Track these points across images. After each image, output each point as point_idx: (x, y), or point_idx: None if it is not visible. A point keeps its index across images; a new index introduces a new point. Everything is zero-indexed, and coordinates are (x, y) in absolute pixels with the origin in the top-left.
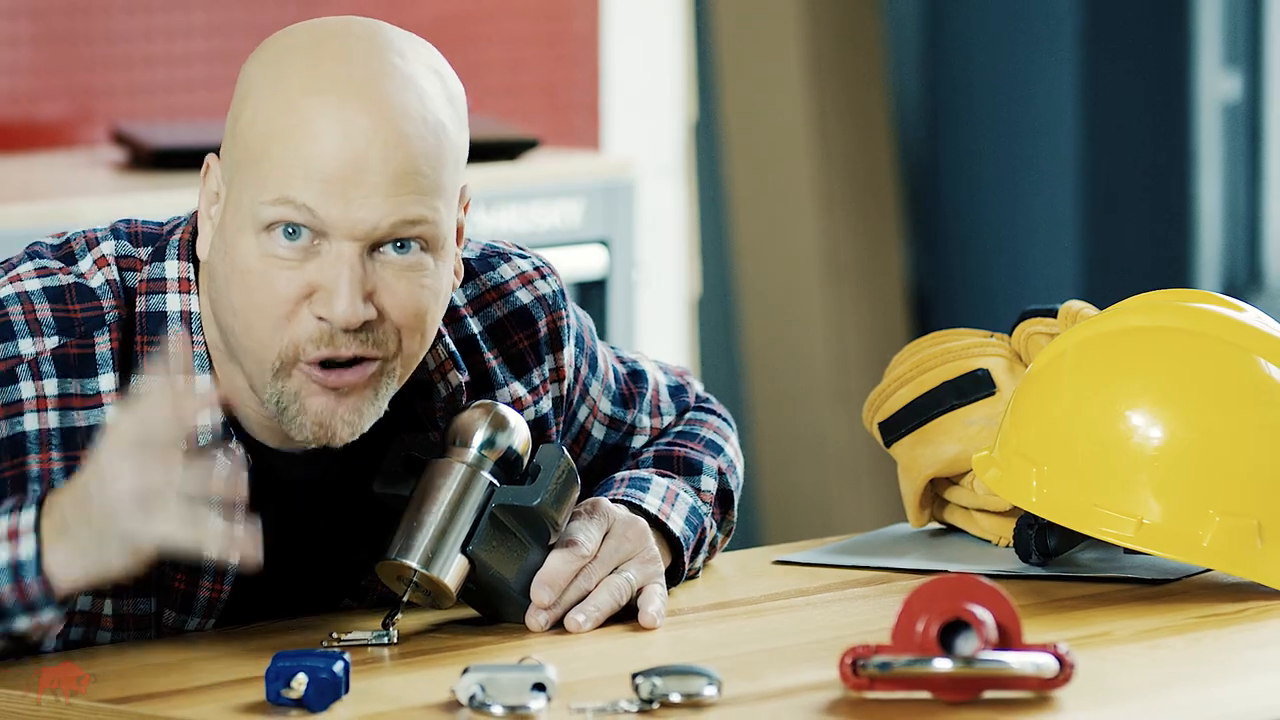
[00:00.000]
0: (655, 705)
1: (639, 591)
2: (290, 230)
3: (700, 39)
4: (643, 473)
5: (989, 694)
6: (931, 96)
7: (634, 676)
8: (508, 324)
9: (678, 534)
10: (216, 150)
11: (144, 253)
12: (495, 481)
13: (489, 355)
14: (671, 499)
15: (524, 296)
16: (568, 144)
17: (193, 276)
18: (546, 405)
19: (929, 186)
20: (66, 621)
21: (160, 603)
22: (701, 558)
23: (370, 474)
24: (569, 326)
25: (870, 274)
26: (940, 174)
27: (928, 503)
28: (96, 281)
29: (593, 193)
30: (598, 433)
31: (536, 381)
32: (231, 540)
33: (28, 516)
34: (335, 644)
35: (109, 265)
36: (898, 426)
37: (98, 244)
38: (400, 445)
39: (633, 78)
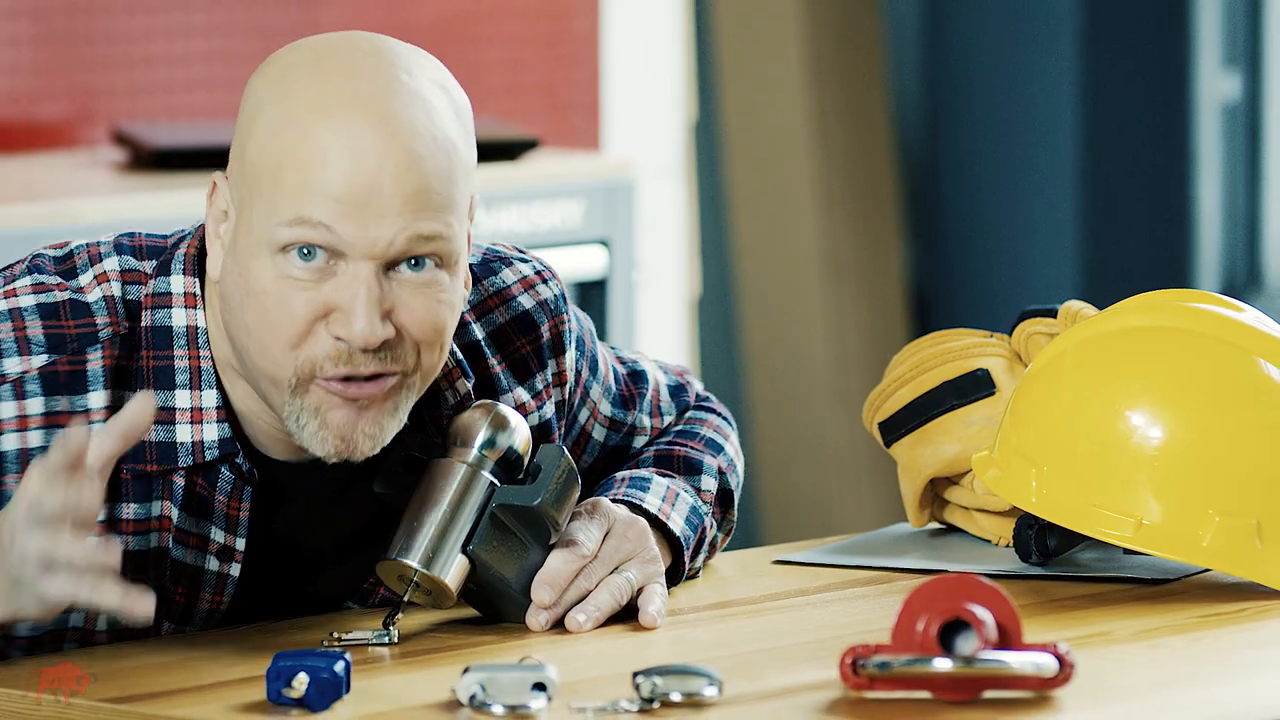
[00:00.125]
0: (656, 704)
1: (639, 591)
2: (306, 251)
3: (700, 39)
4: (643, 472)
5: (989, 694)
6: (931, 96)
7: (635, 676)
8: (510, 329)
9: (678, 534)
10: (217, 152)
11: (148, 266)
12: (496, 481)
13: (492, 361)
14: (672, 499)
15: (526, 301)
16: (568, 144)
17: (199, 291)
18: (549, 411)
19: (929, 186)
20: (60, 639)
21: (158, 615)
22: (702, 557)
23: (372, 494)
24: (570, 331)
25: (870, 274)
26: (940, 174)
27: (928, 503)
28: (93, 297)
29: (593, 193)
30: (598, 435)
31: (540, 387)
32: (126, 602)
33: None
34: (336, 643)
35: (108, 281)
36: (898, 426)
37: (100, 259)
38: (400, 445)
39: (633, 78)
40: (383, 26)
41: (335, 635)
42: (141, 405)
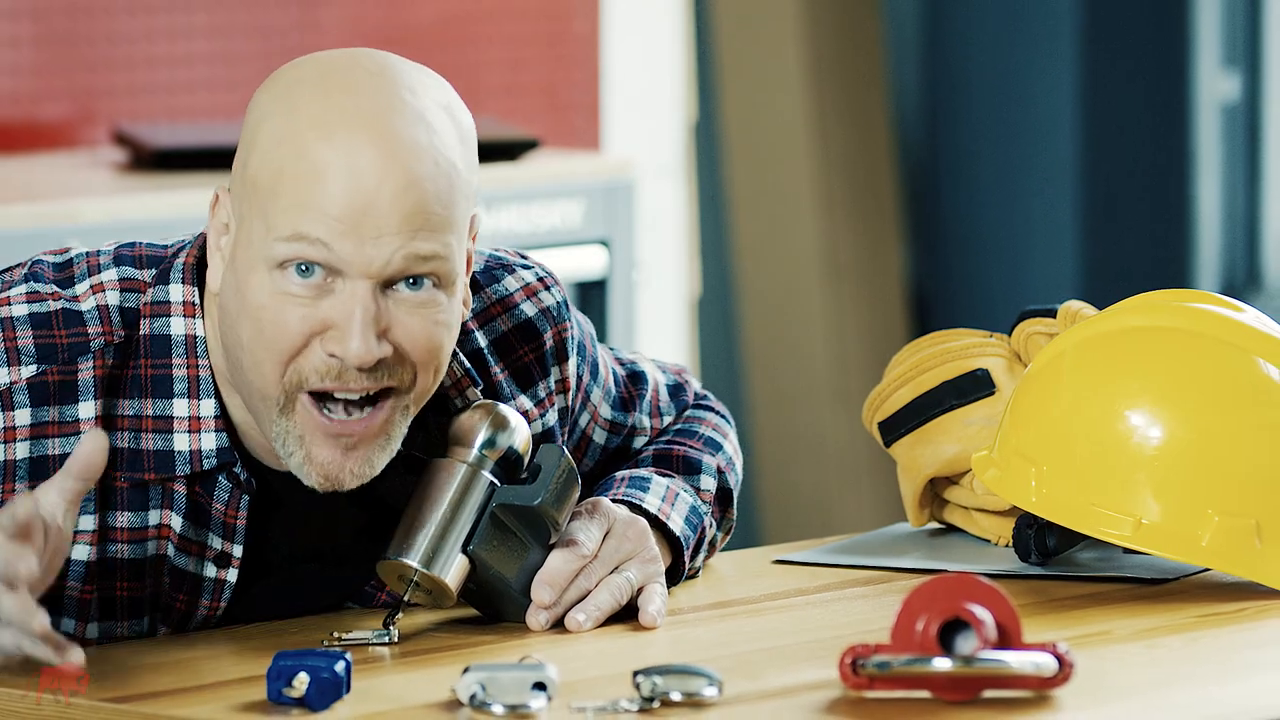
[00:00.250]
0: (656, 704)
1: (639, 591)
2: (304, 268)
3: (700, 39)
4: (642, 472)
5: (988, 693)
6: (931, 97)
7: (635, 675)
8: (513, 337)
9: (678, 534)
10: (217, 153)
11: (147, 275)
12: (496, 481)
13: (495, 369)
14: (671, 498)
15: (529, 309)
16: (568, 144)
17: (198, 300)
18: (552, 418)
19: (928, 186)
20: None
21: (154, 621)
22: (701, 557)
23: (372, 493)
24: (573, 338)
25: (870, 274)
26: (940, 174)
27: (927, 502)
28: (87, 306)
29: (593, 193)
30: (599, 438)
31: (542, 394)
32: (62, 656)
33: None
34: (336, 643)
35: (104, 291)
36: (897, 426)
37: (99, 270)
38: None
39: (633, 78)
40: (383, 27)
41: (335, 635)
42: (94, 443)
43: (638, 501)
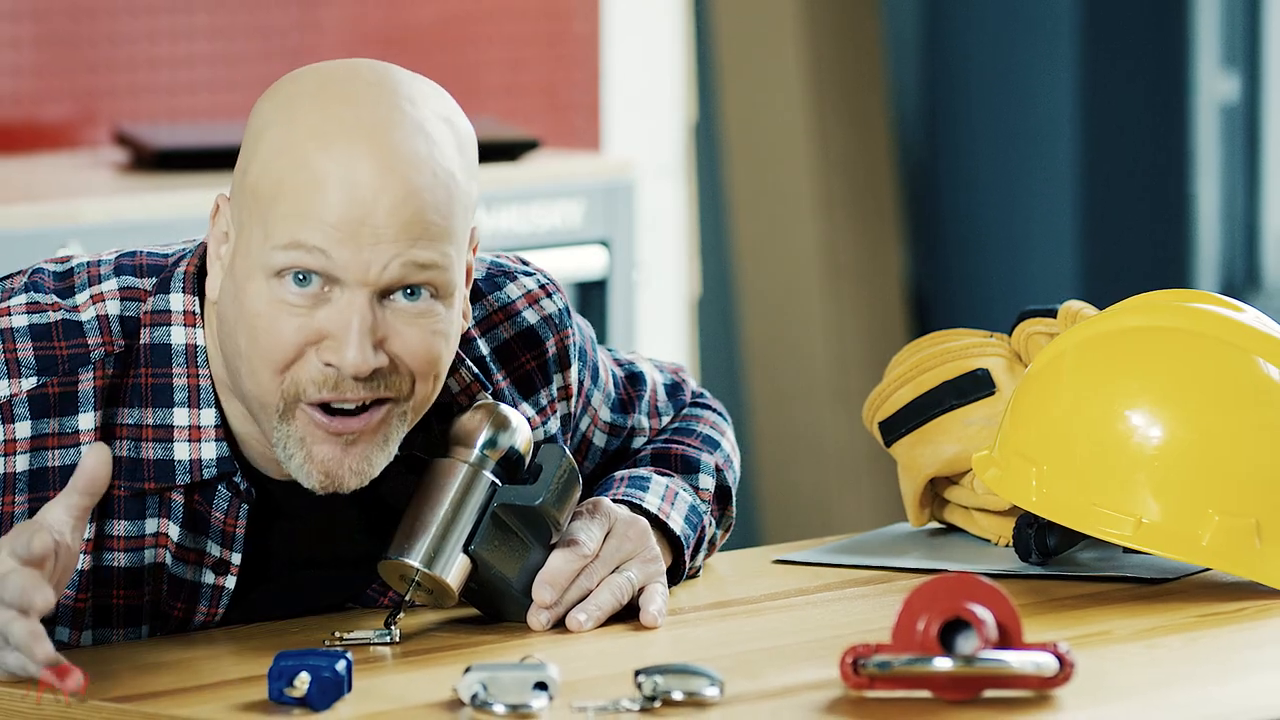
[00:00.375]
0: (657, 704)
1: (640, 591)
2: (301, 277)
3: (700, 39)
4: (642, 471)
5: (989, 693)
6: (930, 97)
7: (636, 675)
8: (515, 345)
9: (678, 533)
10: (218, 153)
11: (148, 283)
12: (497, 481)
13: (498, 376)
14: (671, 498)
15: (531, 317)
16: (568, 144)
17: (198, 310)
18: (554, 425)
19: (928, 187)
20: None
21: (150, 629)
22: (701, 555)
23: (373, 494)
24: (574, 344)
25: (869, 274)
26: (939, 174)
27: (927, 502)
28: (87, 316)
29: (593, 193)
30: (599, 441)
31: (544, 402)
32: (60, 679)
33: None
34: (337, 643)
35: (104, 301)
36: (897, 426)
37: (100, 280)
38: (403, 444)
39: (633, 78)
40: (383, 27)
41: (337, 635)
42: (98, 457)
43: (638, 501)
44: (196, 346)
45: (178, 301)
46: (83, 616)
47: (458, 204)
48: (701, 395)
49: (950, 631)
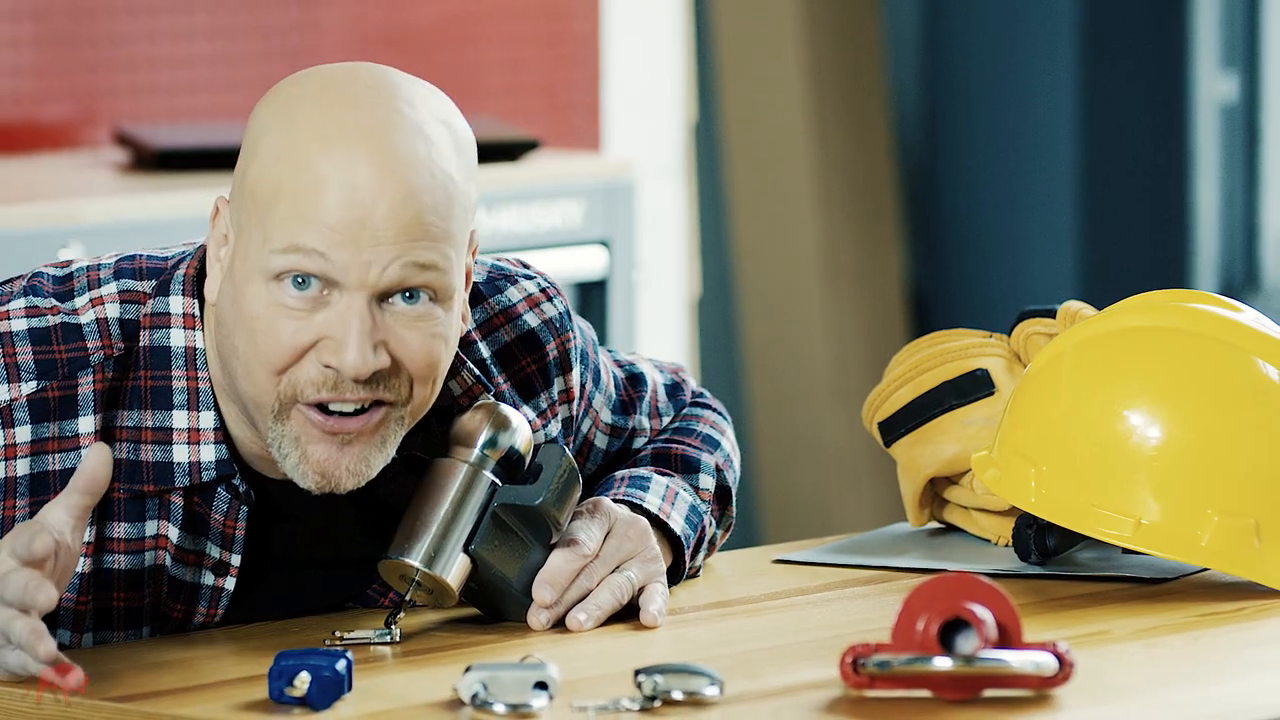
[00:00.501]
0: (657, 703)
1: (640, 590)
2: (300, 280)
3: (700, 39)
4: (642, 471)
5: (989, 692)
6: (930, 98)
7: (636, 674)
8: (515, 348)
9: (679, 533)
10: (219, 153)
11: (148, 286)
12: (497, 481)
13: (499, 379)
14: (671, 498)
15: (532, 320)
16: (568, 144)
17: (197, 312)
18: (555, 427)
19: (928, 187)
20: None
21: (150, 630)
22: (701, 555)
23: (372, 494)
24: (576, 347)
25: (869, 275)
26: (939, 175)
27: (927, 502)
28: (86, 320)
29: (593, 193)
30: (600, 442)
31: (544, 405)
32: (61, 677)
33: None
34: (338, 642)
35: (103, 304)
36: (897, 426)
37: (99, 284)
38: (403, 444)
39: (633, 78)
40: (383, 27)
41: (337, 634)
42: (98, 457)
43: (638, 501)
44: (196, 349)
45: (177, 304)
46: (83, 619)
47: (456, 205)
48: (701, 395)
49: (950, 631)
